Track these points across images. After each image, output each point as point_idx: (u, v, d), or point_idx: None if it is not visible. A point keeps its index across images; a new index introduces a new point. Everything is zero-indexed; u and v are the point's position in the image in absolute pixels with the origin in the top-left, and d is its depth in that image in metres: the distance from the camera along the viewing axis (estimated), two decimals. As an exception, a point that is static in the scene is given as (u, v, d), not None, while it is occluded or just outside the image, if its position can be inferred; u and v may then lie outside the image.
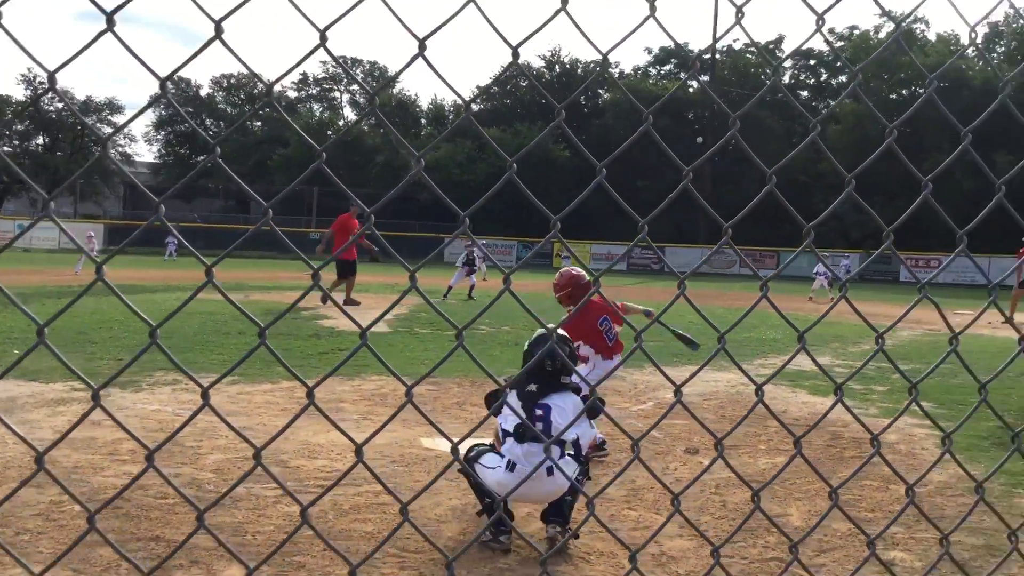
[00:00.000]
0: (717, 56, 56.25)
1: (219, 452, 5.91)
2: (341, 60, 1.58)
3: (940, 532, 1.70)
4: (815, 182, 45.13)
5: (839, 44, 56.07)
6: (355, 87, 64.45)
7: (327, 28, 1.30)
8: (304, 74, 57.86)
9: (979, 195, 35.16)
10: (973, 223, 1.58)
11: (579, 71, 58.88)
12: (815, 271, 27.49)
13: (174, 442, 6.04)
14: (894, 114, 46.66)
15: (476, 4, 1.31)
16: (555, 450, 4.35)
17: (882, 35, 52.87)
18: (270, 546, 4.22)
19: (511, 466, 4.45)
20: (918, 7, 1.64)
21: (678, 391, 1.44)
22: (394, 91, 61.77)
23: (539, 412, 4.48)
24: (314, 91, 66.61)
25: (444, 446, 6.29)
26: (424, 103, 62.78)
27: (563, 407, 4.54)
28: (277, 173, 53.72)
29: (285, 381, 8.35)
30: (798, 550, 1.54)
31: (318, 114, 64.31)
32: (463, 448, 4.79)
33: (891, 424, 1.99)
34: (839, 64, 56.19)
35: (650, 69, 61.24)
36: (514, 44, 1.36)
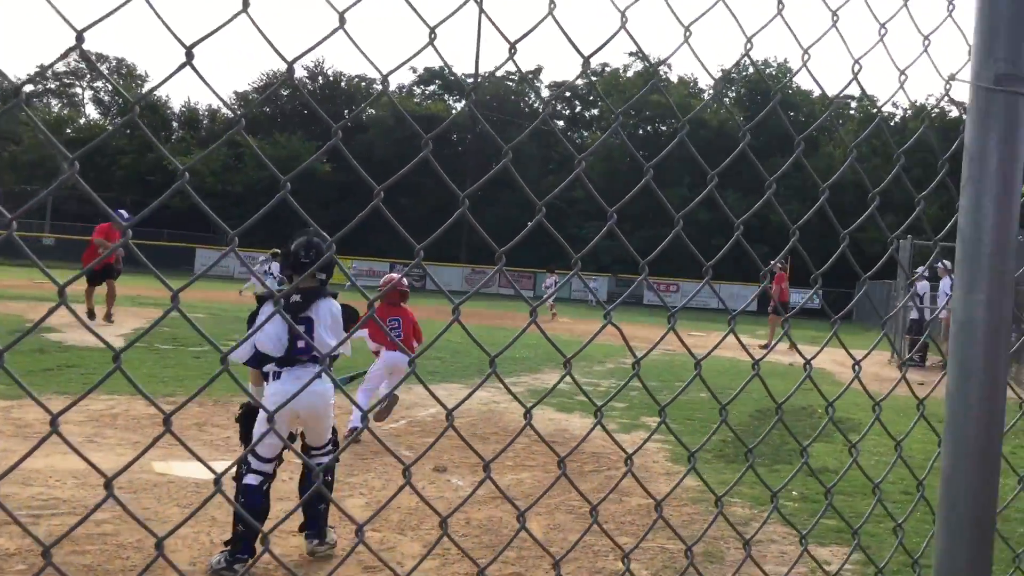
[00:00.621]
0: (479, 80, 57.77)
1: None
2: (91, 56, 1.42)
3: (621, 550, 1.79)
4: (569, 208, 47.70)
5: (593, 79, 59.38)
6: (99, 83, 60.08)
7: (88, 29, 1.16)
8: (41, 66, 53.19)
9: (713, 226, 38.38)
10: (653, 254, 1.70)
11: (343, 84, 58.36)
12: (544, 285, 29.30)
13: None
14: (640, 148, 50.06)
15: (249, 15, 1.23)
16: (317, 367, 4.31)
17: (630, 74, 56.64)
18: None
19: (277, 375, 4.49)
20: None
21: (364, 417, 1.42)
22: (142, 91, 58.28)
23: (303, 328, 4.51)
24: (53, 85, 61.39)
25: (178, 470, 5.93)
26: (176, 106, 59.63)
27: (324, 319, 4.59)
28: (7, 172, 49.16)
29: (0, 400, 7.56)
30: (485, 575, 1.56)
31: (56, 110, 59.43)
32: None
33: (583, 439, 2.07)
34: (592, 97, 59.41)
35: (415, 88, 61.79)
36: (290, 59, 1.28)
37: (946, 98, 1.97)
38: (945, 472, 1.73)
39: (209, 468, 1.40)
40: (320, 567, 4.44)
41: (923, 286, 16.80)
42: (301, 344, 4.43)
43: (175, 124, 58.31)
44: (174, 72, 1.29)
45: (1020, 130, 1.67)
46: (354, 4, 1.33)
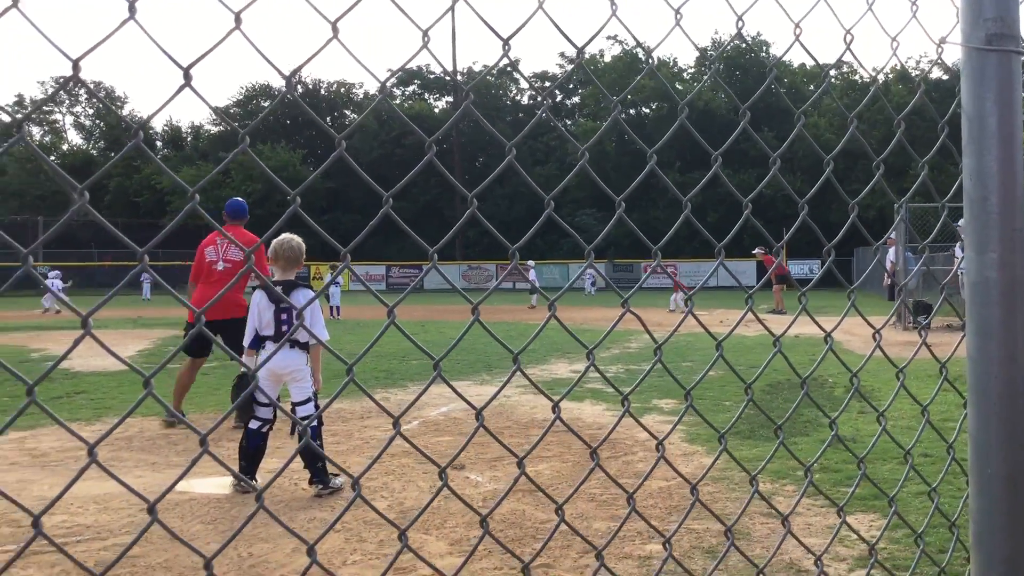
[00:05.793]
0: (460, 78, 57.74)
1: (-65, 519, 5.24)
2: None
3: (662, 535, 1.80)
4: (560, 197, 48.04)
5: (569, 67, 59.35)
6: (79, 108, 59.93)
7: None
8: (20, 95, 53.03)
9: (707, 206, 38.41)
10: (665, 239, 1.75)
11: (322, 91, 58.26)
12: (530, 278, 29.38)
13: None
14: (625, 133, 50.32)
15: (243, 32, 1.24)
16: (297, 347, 5.76)
17: (607, 59, 56.60)
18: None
19: (263, 343, 5.78)
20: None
21: (396, 423, 1.43)
22: (124, 112, 58.22)
23: (284, 316, 5.80)
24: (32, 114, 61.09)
25: (200, 487, 5.94)
26: (158, 125, 59.47)
27: (301, 304, 5.73)
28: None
29: (13, 431, 7.56)
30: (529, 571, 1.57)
31: (38, 137, 59.22)
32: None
33: (612, 429, 2.09)
34: (572, 86, 59.37)
35: (396, 90, 61.72)
36: (287, 73, 1.29)
37: (937, 61, 1.98)
38: (973, 433, 1.74)
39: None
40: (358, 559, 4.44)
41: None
42: (285, 328, 5.76)
43: (159, 143, 58.21)
44: (175, 94, 1.30)
45: (1016, 87, 1.68)
46: (346, 13, 1.34)
